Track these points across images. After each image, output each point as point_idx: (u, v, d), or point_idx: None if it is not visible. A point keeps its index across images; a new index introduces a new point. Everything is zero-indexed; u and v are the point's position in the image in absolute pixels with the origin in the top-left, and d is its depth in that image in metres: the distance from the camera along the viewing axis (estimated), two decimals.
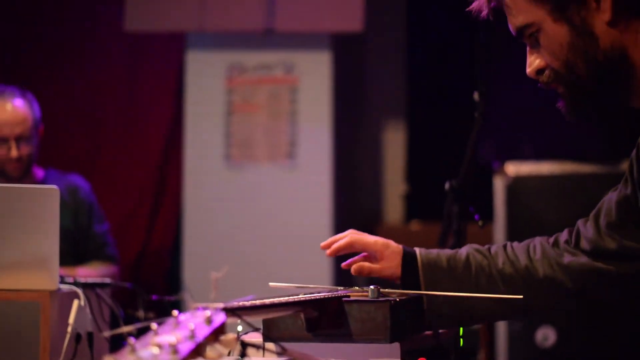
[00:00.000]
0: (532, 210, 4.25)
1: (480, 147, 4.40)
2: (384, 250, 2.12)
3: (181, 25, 5.02)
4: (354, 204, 5.54)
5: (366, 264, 2.13)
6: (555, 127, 4.28)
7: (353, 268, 2.13)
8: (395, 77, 5.66)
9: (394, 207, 5.67)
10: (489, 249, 2.13)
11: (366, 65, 5.68)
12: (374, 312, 1.88)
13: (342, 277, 4.95)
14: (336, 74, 5.08)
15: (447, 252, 2.14)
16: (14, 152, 3.78)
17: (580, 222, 2.10)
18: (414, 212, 5.58)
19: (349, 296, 1.95)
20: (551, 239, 2.12)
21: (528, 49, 1.88)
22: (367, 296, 1.95)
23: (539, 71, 1.86)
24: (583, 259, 2.05)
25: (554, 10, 1.80)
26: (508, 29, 1.90)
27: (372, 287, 1.95)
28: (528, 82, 1.93)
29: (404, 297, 2.00)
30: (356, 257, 2.16)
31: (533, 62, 1.87)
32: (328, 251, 2.13)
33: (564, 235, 2.11)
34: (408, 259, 2.11)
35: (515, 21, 1.86)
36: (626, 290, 2.07)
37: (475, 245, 2.15)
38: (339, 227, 5.04)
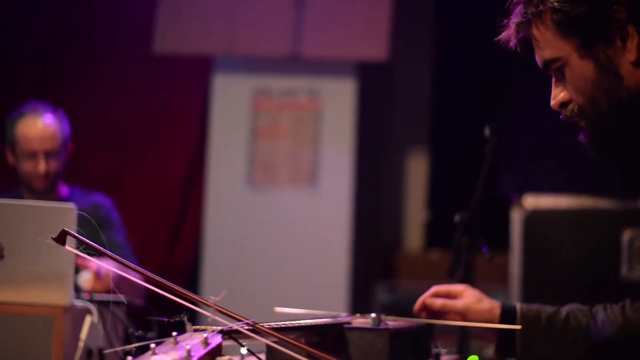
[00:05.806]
0: (548, 243, 4.26)
1: (499, 179, 4.44)
2: (464, 290, 2.24)
3: (210, 48, 5.08)
4: (374, 231, 5.57)
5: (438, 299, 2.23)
6: (575, 161, 4.30)
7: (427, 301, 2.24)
8: (419, 106, 5.70)
9: (414, 235, 5.69)
10: (590, 309, 2.16)
11: (391, 93, 5.72)
12: (374, 339, 1.92)
13: (359, 302, 4.98)
14: (360, 102, 5.13)
15: (547, 308, 2.18)
16: (41, 167, 3.85)
17: None
18: (434, 240, 5.59)
19: (350, 323, 1.99)
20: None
21: (554, 81, 1.92)
22: (368, 324, 1.99)
23: (563, 104, 1.90)
24: None
25: (581, 47, 1.83)
26: (531, 61, 1.93)
27: (373, 315, 1.99)
28: (550, 116, 1.97)
29: (404, 327, 2.04)
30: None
31: (557, 95, 1.90)
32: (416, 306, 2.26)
33: None
34: (506, 310, 2.18)
35: (542, 54, 1.89)
36: None
37: (577, 305, 2.19)
38: (358, 253, 5.08)
